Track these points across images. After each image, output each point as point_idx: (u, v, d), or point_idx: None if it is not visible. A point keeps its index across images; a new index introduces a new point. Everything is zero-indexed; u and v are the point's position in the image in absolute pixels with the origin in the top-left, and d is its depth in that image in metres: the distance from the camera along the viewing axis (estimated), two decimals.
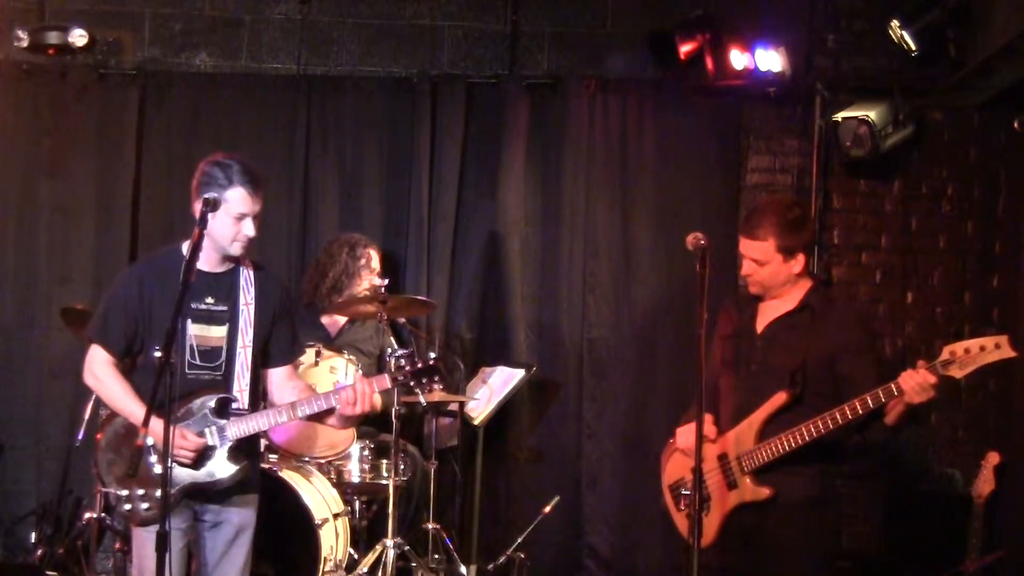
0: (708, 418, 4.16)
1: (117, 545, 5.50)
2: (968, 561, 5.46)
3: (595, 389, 6.48)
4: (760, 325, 4.20)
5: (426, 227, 6.46)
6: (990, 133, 6.48)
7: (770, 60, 6.23)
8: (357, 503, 5.53)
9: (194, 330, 4.01)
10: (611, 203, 6.51)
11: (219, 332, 4.04)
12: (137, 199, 6.48)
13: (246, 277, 4.10)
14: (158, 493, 3.87)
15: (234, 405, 4.03)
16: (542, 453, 6.49)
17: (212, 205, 3.85)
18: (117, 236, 6.45)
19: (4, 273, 6.49)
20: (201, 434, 3.97)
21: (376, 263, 5.96)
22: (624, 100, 6.51)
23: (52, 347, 6.39)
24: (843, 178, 6.55)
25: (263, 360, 4.15)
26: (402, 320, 6.01)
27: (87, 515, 5.69)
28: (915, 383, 3.79)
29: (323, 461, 5.46)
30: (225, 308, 4.05)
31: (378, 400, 5.69)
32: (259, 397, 4.18)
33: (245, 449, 4.06)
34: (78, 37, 6.21)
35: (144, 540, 3.96)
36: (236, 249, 4.03)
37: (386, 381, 4.16)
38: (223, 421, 4.00)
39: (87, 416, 5.68)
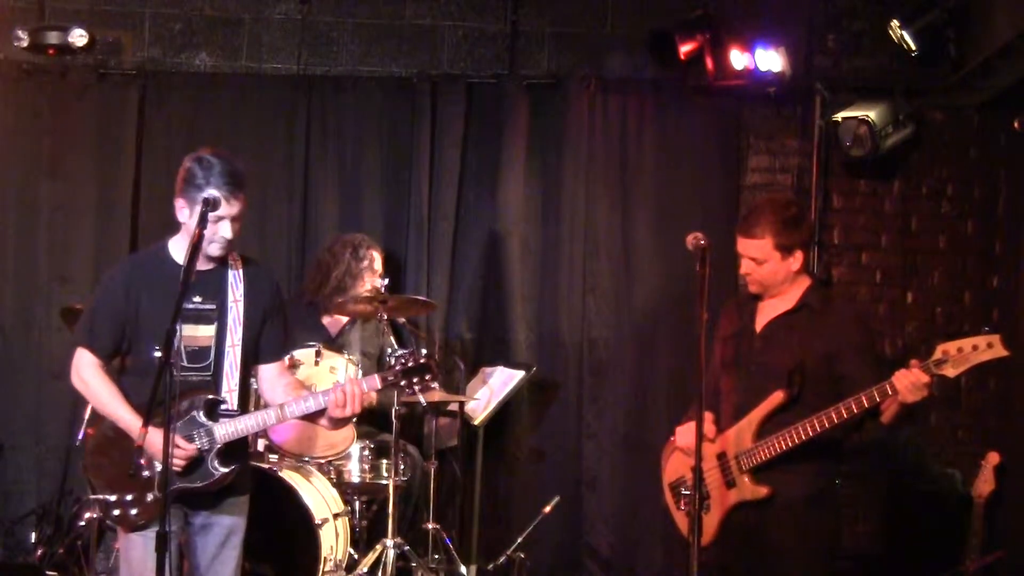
0: (708, 417, 4.17)
1: (117, 545, 5.49)
2: (968, 561, 5.47)
3: (595, 389, 6.48)
4: (759, 324, 4.21)
5: (426, 227, 6.46)
6: (990, 133, 6.48)
7: (770, 60, 6.23)
8: (357, 503, 5.53)
9: (183, 330, 3.85)
10: (611, 203, 6.51)
11: (207, 331, 3.96)
12: (137, 199, 6.48)
13: (234, 274, 4.02)
14: (148, 497, 3.85)
15: (223, 407, 3.95)
16: (542, 453, 6.49)
17: (212, 205, 3.82)
18: (117, 236, 6.45)
19: (4, 273, 6.49)
20: (190, 437, 3.89)
21: (379, 264, 5.96)
22: (624, 100, 6.51)
23: (52, 347, 6.38)
24: (843, 178, 6.55)
25: (254, 356, 4.08)
26: (402, 320, 6.01)
27: (87, 515, 5.69)
28: (908, 382, 3.80)
29: (323, 461, 5.46)
30: (213, 306, 3.97)
31: (374, 396, 5.70)
32: (249, 397, 4.13)
33: (235, 451, 3.99)
34: (78, 37, 6.21)
35: (133, 545, 3.92)
36: (214, 250, 3.94)
37: (376, 381, 4.07)
38: (212, 423, 3.92)
39: (87, 416, 5.65)
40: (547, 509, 5.93)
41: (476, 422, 5.98)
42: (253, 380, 4.21)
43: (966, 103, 6.40)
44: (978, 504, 5.50)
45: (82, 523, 5.77)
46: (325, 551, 5.12)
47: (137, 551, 3.91)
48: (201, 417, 3.91)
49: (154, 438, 3.67)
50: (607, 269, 6.50)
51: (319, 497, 5.22)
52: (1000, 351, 3.77)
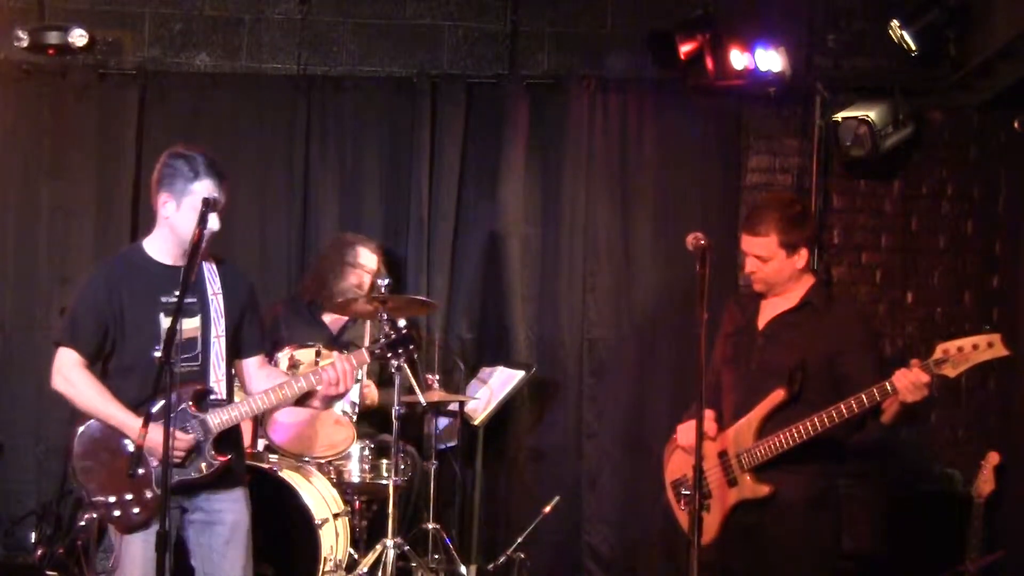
0: (710, 415, 4.18)
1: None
2: (968, 561, 5.46)
3: (595, 389, 6.48)
4: (761, 323, 4.21)
5: (426, 227, 6.46)
6: (990, 133, 6.47)
7: (770, 60, 6.23)
8: (357, 503, 5.52)
9: (167, 323, 3.86)
10: (611, 203, 6.51)
11: (192, 324, 3.97)
12: (137, 199, 6.46)
13: (209, 269, 4.04)
14: (148, 495, 3.86)
15: (212, 396, 3.98)
16: (542, 453, 6.48)
17: (213, 205, 3.83)
18: (117, 236, 6.44)
19: (4, 273, 6.50)
20: (184, 429, 3.89)
21: (367, 259, 5.95)
22: (624, 100, 6.51)
23: (52, 347, 6.37)
24: (843, 178, 6.55)
25: (236, 351, 4.10)
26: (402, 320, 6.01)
27: (87, 515, 5.68)
28: (908, 382, 3.80)
29: (323, 461, 5.46)
30: (195, 300, 3.97)
31: (375, 396, 5.71)
32: (233, 387, 4.14)
33: (229, 440, 4.01)
34: (78, 37, 6.21)
35: (132, 545, 3.91)
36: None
37: (364, 355, 4.19)
38: (203, 414, 3.94)
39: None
40: (547, 509, 5.93)
41: (476, 422, 5.98)
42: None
43: (966, 103, 6.40)
44: (978, 504, 5.49)
45: (82, 523, 5.75)
46: (325, 551, 5.12)
47: (136, 552, 3.90)
48: (192, 408, 3.92)
49: (153, 435, 3.66)
50: (607, 269, 6.50)
51: (319, 497, 5.22)
52: (1000, 350, 3.77)
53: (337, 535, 5.22)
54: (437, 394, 5.55)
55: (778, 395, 4.04)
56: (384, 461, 5.46)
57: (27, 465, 6.40)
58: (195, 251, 3.80)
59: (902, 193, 6.55)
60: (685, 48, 6.21)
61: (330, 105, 6.54)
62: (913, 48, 5.91)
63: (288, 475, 5.19)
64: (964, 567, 5.46)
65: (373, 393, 5.73)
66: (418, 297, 6.05)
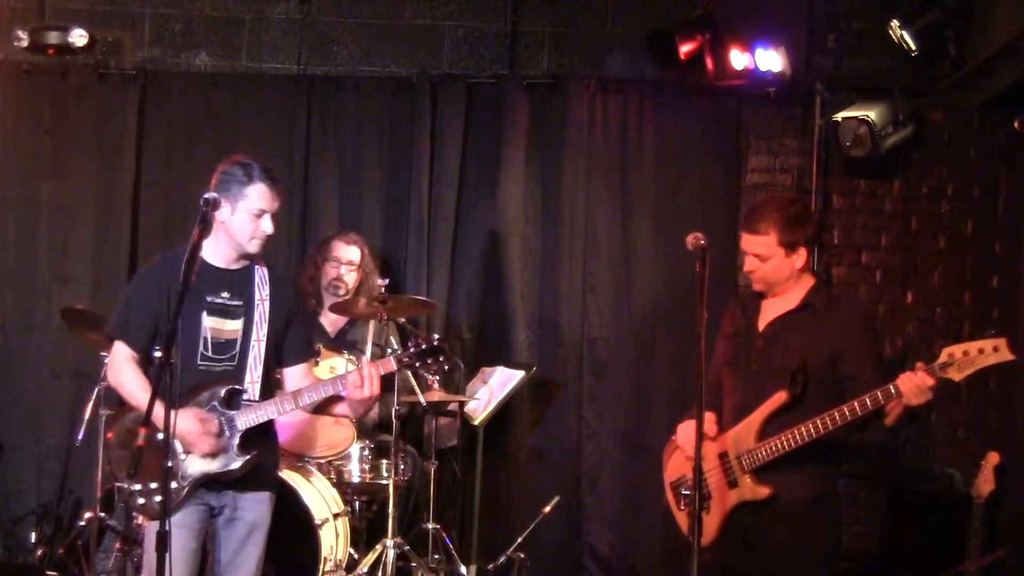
0: (711, 416, 4.17)
1: (117, 545, 5.49)
2: (968, 561, 5.46)
3: (595, 389, 6.48)
4: (762, 324, 4.20)
5: (426, 227, 6.46)
6: (990, 133, 6.47)
7: (770, 60, 6.23)
8: (357, 503, 5.53)
9: (209, 323, 4.07)
10: (611, 203, 6.51)
11: (234, 326, 4.10)
12: (137, 199, 6.48)
13: (261, 275, 4.18)
14: (173, 485, 3.94)
15: (243, 396, 4.07)
16: (542, 453, 6.49)
17: (213, 205, 3.87)
18: (117, 236, 6.46)
19: (4, 273, 6.49)
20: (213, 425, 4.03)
21: (341, 251, 5.93)
22: (624, 100, 6.51)
23: (52, 347, 6.39)
24: (843, 178, 6.55)
25: (279, 359, 4.22)
26: (402, 320, 6.01)
27: (87, 515, 5.69)
28: (913, 385, 3.79)
29: (323, 461, 5.46)
30: (240, 303, 4.11)
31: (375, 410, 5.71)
32: (271, 392, 4.20)
33: (256, 440, 4.10)
34: (78, 37, 6.21)
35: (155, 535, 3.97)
36: (254, 247, 4.14)
37: (391, 363, 4.19)
38: (232, 412, 4.05)
39: (87, 416, 5.68)
40: (547, 509, 5.92)
41: (476, 422, 5.98)
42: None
43: (966, 103, 6.39)
44: (978, 504, 5.49)
45: (82, 523, 5.77)
46: (325, 551, 5.12)
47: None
48: (221, 406, 4.04)
49: (181, 425, 3.79)
50: (607, 269, 6.50)
51: (319, 497, 5.22)
52: (1006, 355, 3.75)
53: (337, 535, 5.22)
54: (437, 394, 5.55)
55: (780, 397, 4.03)
56: (384, 461, 5.46)
57: (27, 465, 6.40)
58: (195, 251, 3.82)
59: (902, 193, 6.55)
60: (685, 48, 6.22)
61: (330, 105, 6.54)
62: (913, 48, 5.91)
63: (288, 475, 5.19)
64: (964, 567, 5.46)
65: (373, 412, 5.74)
66: (418, 297, 6.06)
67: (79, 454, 6.01)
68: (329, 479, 5.40)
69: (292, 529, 5.06)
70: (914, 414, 3.93)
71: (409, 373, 5.35)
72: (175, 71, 6.56)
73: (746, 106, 6.55)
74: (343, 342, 5.84)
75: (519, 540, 5.82)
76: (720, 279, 4.53)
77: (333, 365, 5.42)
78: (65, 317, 5.83)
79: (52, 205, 6.49)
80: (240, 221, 4.08)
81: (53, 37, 6.21)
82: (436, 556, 5.57)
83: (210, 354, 4.07)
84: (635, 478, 6.32)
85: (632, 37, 6.53)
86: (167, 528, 3.64)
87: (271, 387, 4.22)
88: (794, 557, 4.05)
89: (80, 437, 5.73)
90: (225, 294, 4.10)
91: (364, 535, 5.53)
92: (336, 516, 5.23)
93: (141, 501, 4.03)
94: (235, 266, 4.15)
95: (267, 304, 4.14)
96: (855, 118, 6.18)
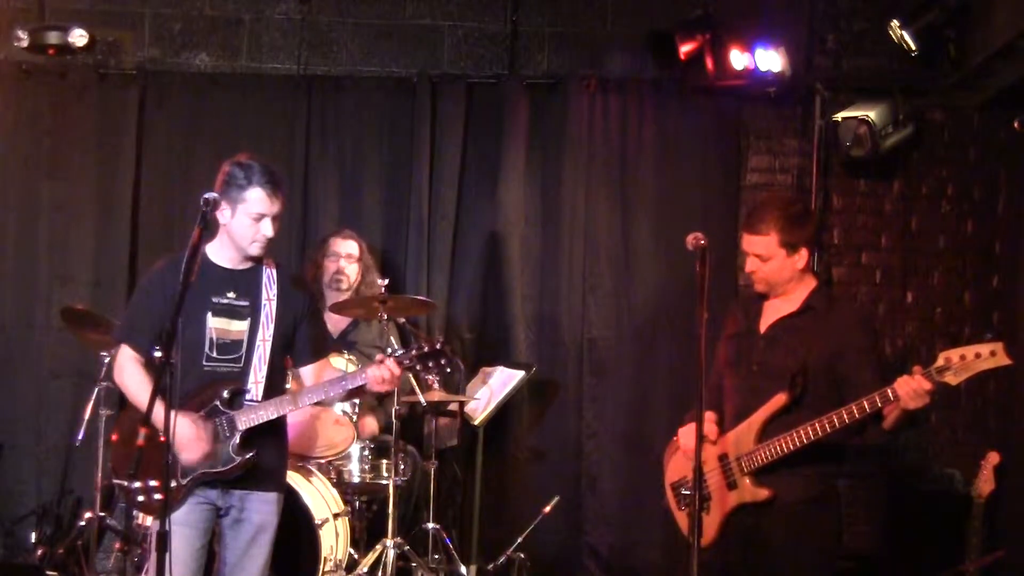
0: (711, 418, 4.17)
1: (117, 545, 5.49)
2: (968, 561, 5.46)
3: (595, 389, 6.48)
4: (763, 325, 4.20)
5: (426, 227, 6.46)
6: (990, 133, 6.48)
7: (770, 60, 6.23)
8: (357, 503, 5.53)
9: (214, 323, 4.07)
10: (611, 203, 6.51)
11: (240, 326, 4.10)
12: (137, 199, 6.48)
13: (268, 275, 4.17)
14: (173, 483, 3.91)
15: (246, 396, 4.07)
16: (542, 453, 6.48)
17: (212, 205, 3.85)
18: (117, 236, 6.45)
19: (4, 273, 6.49)
20: (211, 423, 4.03)
21: (339, 246, 5.95)
22: (624, 100, 6.51)
23: (52, 347, 6.39)
24: (843, 178, 6.55)
25: (293, 359, 4.23)
26: (402, 320, 6.01)
27: (87, 515, 5.69)
28: (910, 389, 3.79)
29: (323, 461, 5.46)
30: (247, 303, 4.11)
31: (374, 424, 5.72)
32: (277, 391, 4.20)
33: (261, 440, 4.10)
34: (78, 37, 6.20)
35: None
36: (255, 249, 4.12)
37: (393, 365, 4.18)
38: (233, 412, 4.06)
39: (87, 416, 5.69)
40: (547, 509, 5.92)
41: (476, 422, 5.97)
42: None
43: (966, 103, 6.40)
44: (978, 504, 5.49)
45: (82, 523, 5.77)
46: (325, 551, 5.12)
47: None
48: (223, 406, 4.05)
49: (180, 429, 3.79)
50: (607, 269, 6.50)
51: (319, 497, 5.22)
52: (1003, 359, 3.75)
53: (337, 535, 5.22)
54: (437, 394, 5.55)
55: (780, 399, 4.03)
56: (384, 461, 5.46)
57: (27, 465, 6.41)
58: (195, 251, 3.80)
59: (902, 193, 6.55)
60: (685, 48, 6.22)
61: (330, 105, 6.54)
62: (913, 48, 5.91)
63: (288, 475, 5.16)
64: (964, 567, 5.46)
65: (373, 424, 5.74)
66: (418, 297, 6.06)
67: (79, 454, 6.02)
68: (329, 479, 5.40)
69: (292, 529, 5.05)
70: (913, 418, 3.93)
71: (409, 374, 5.34)
72: (175, 71, 6.56)
73: (746, 106, 6.55)
74: (344, 343, 5.84)
75: (519, 540, 5.82)
76: (720, 279, 4.54)
77: (335, 365, 5.41)
78: (65, 317, 5.83)
79: (52, 205, 6.49)
80: (239, 225, 4.08)
81: (53, 37, 6.20)
82: (436, 556, 5.57)
83: (215, 355, 4.07)
84: (635, 478, 6.32)
85: (632, 37, 6.53)
86: (167, 528, 3.63)
87: (277, 387, 4.21)
88: (794, 557, 4.05)
89: (80, 437, 5.73)
90: (231, 294, 4.10)
91: (364, 535, 5.53)
92: (336, 516, 5.23)
93: (142, 499, 4.03)
94: (241, 266, 4.15)
95: (274, 304, 4.13)
96: (855, 118, 6.19)
